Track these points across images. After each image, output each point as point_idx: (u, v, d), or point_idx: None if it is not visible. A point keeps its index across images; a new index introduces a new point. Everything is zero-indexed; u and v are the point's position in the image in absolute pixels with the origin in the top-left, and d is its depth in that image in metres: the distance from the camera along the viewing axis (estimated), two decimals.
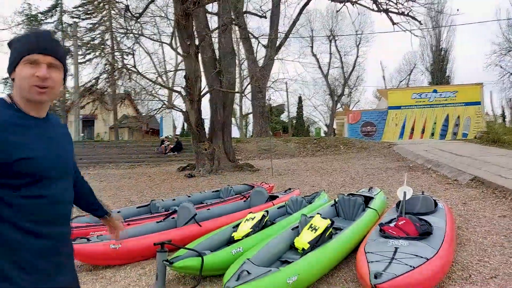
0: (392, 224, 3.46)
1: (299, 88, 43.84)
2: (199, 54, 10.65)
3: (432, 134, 26.34)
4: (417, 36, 14.83)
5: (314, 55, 38.12)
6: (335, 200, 4.70)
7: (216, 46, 11.63)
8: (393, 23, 12.97)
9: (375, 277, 2.37)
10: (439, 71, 36.42)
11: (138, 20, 10.05)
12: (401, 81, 42.60)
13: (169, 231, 4.08)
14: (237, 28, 14.75)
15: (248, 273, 2.60)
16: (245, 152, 16.89)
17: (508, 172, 7.50)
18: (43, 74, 1.11)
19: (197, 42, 9.77)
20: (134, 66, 10.49)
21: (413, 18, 12.77)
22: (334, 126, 36.48)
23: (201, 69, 10.74)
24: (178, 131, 30.13)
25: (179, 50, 10.50)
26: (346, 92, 41.51)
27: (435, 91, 27.11)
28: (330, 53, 39.16)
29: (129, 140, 24.68)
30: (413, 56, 40.10)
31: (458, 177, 7.96)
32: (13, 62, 1.14)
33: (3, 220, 1.07)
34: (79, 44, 25.57)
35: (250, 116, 33.07)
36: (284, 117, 38.90)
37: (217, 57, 11.58)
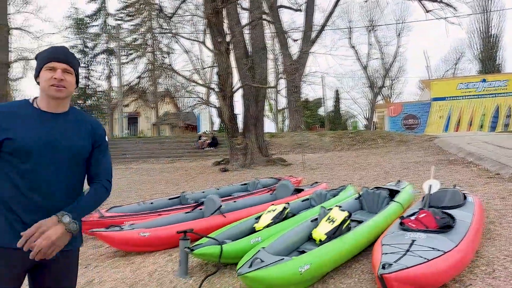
0: (413, 217, 3.41)
1: (337, 82, 42.99)
2: (232, 50, 10.84)
3: (481, 126, 24.81)
4: (452, 23, 13.97)
5: (353, 47, 37.17)
6: (359, 193, 4.68)
7: (248, 41, 11.75)
8: (426, 11, 12.33)
9: (383, 267, 2.39)
10: (489, 59, 34.02)
11: (172, 19, 10.42)
12: (447, 71, 40.36)
13: (196, 221, 4.29)
14: (274, 22, 14.75)
15: (261, 260, 2.71)
16: (280, 146, 16.95)
17: None
18: (59, 76, 1.47)
19: (228, 39, 9.96)
20: (170, 65, 10.89)
21: (448, 4, 12.06)
22: (374, 119, 35.43)
23: (234, 65, 10.94)
24: (216, 127, 30.75)
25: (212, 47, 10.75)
26: (387, 84, 40.09)
27: (483, 80, 25.46)
28: (369, 44, 37.99)
29: (169, 136, 25.59)
30: (460, 43, 37.81)
31: (501, 171, 7.53)
32: (38, 69, 1.51)
33: (9, 177, 1.42)
34: (122, 45, 26.89)
35: (286, 110, 32.98)
36: (322, 111, 38.39)
37: (249, 52, 11.70)
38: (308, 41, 19.14)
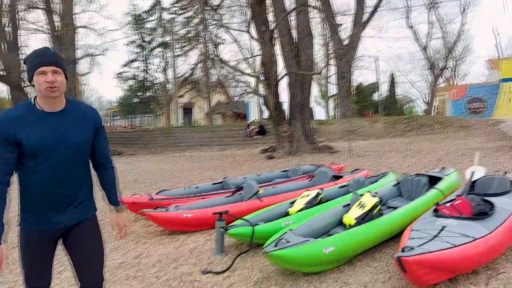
0: (448, 204, 3.33)
1: (391, 65, 40.74)
2: (277, 38, 10.88)
3: None
4: None
5: (411, 27, 34.92)
6: (397, 180, 4.59)
7: (293, 28, 11.68)
8: None
9: (403, 250, 2.41)
10: None
11: (217, 11, 10.71)
12: None
13: (235, 204, 4.54)
14: (319, 7, 14.47)
15: (287, 241, 2.86)
16: (328, 134, 16.74)
17: None
18: (50, 79, 1.63)
19: (272, 27, 10.01)
20: (217, 56, 11.22)
21: None
22: (435, 104, 33.24)
23: (279, 52, 10.98)
24: (266, 115, 31.07)
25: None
26: (450, 65, 37.21)
27: None
28: (430, 23, 35.38)
29: (220, 125, 26.38)
30: None
31: None
32: (30, 75, 1.68)
33: (26, 172, 1.71)
34: (176, 38, 28.03)
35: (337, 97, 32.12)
36: (376, 97, 36.82)
37: (294, 39, 11.64)
38: (359, 24, 18.44)
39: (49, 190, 1.72)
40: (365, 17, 19.01)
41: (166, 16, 30.34)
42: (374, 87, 35.50)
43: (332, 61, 16.28)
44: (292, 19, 11.48)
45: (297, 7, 10.30)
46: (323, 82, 35.34)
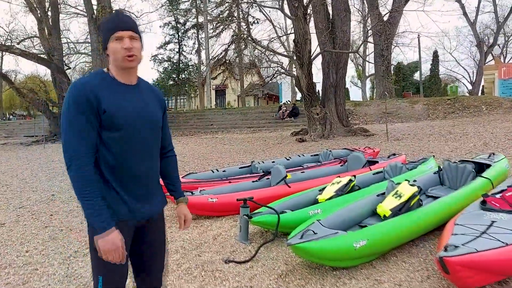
0: (498, 196, 2.96)
1: (437, 42, 38.10)
2: (311, 15, 10.37)
3: None
4: None
5: (459, 0, 32.37)
6: (439, 166, 4.20)
7: (329, 3, 11.07)
8: None
9: (445, 249, 2.13)
10: None
11: None
12: None
13: (261, 190, 4.37)
14: None
15: (314, 232, 2.65)
16: (364, 116, 16.07)
17: None
18: (128, 45, 1.43)
19: (306, 2, 9.51)
20: (250, 35, 10.91)
21: None
22: (482, 83, 31.00)
23: (313, 30, 10.47)
24: (298, 97, 30.42)
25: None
26: (500, 42, 34.36)
27: None
28: None
29: (252, 107, 26.18)
30: None
31: None
32: (105, 41, 1.48)
33: (108, 151, 1.46)
34: (210, 18, 27.80)
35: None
36: (417, 76, 34.88)
37: (330, 16, 11.05)
38: None
39: (134, 172, 1.48)
40: None
41: None
42: (416, 66, 33.62)
43: (370, 39, 15.42)
44: None
45: None
46: (360, 61, 33.93)
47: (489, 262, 2.10)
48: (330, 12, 11.23)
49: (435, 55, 32.04)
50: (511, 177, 3.73)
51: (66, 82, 19.18)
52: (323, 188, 3.95)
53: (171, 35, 31.05)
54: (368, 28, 17.93)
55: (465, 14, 33.00)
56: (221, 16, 27.80)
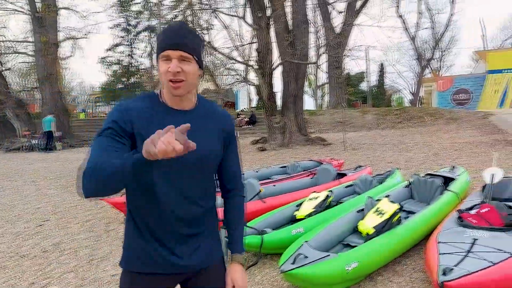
0: (473, 211, 3.09)
1: (382, 55, 40.67)
2: (272, 26, 10.43)
3: None
4: None
5: (400, 16, 34.75)
6: (409, 181, 4.35)
7: (289, 16, 11.24)
8: None
9: (444, 273, 2.15)
10: None
11: None
12: (505, 40, 36.74)
13: None
14: None
15: (305, 256, 2.56)
16: (319, 124, 16.51)
17: None
18: (173, 68, 1.17)
19: (269, 14, 9.56)
20: (209, 42, 10.72)
21: None
22: (421, 94, 33.46)
23: (274, 40, 10.54)
24: (254, 104, 30.61)
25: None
26: (437, 56, 37.41)
27: None
28: (419, 13, 35.31)
29: None
30: None
31: None
32: (157, 59, 1.24)
33: (136, 192, 1.24)
34: (164, 22, 27.03)
35: (326, 86, 31.96)
36: (364, 86, 36.81)
37: (290, 27, 11.22)
38: (353, 12, 18.08)
39: (168, 215, 1.23)
40: (358, 4, 18.63)
41: None
42: (361, 76, 35.46)
43: (323, 50, 15.93)
44: (288, 4, 11.02)
45: None
46: (313, 71, 35.00)
47: (483, 283, 2.15)
48: (290, 23, 11.41)
49: (382, 67, 33.97)
50: (476, 191, 3.94)
51: (2, 84, 17.53)
52: (300, 204, 3.90)
53: (121, 37, 29.82)
54: (322, 40, 18.56)
55: (406, 29, 35.50)
56: (174, 20, 27.21)
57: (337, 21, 21.89)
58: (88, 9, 56.75)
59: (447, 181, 4.40)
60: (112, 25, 29.43)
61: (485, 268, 2.23)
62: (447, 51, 37.98)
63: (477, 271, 2.19)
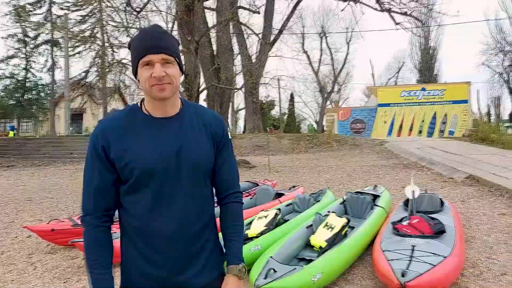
0: (405, 223, 3.56)
1: (295, 85, 44.04)
2: (198, 50, 10.58)
3: (420, 132, 26.81)
4: (419, 36, 15.08)
5: (305, 52, 38.27)
6: (343, 198, 4.79)
7: (214, 42, 11.57)
8: (396, 23, 13.13)
9: (403, 275, 2.45)
10: (427, 69, 37.02)
11: (138, 15, 9.93)
12: (390, 79, 43.21)
13: None
14: (231, 22, 14.66)
15: (274, 271, 2.65)
16: (239, 148, 16.90)
17: (502, 170, 7.75)
18: (158, 73, 1.13)
19: (197, 38, 9.72)
20: (121, 61, 10.35)
21: (416, 18, 12.96)
22: (324, 123, 36.82)
23: (199, 65, 10.67)
24: None
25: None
26: (336, 89, 41.89)
27: (423, 89, 27.55)
28: (321, 50, 39.41)
29: None
30: (402, 53, 40.62)
31: (453, 175, 8.17)
32: (134, 66, 1.19)
33: (127, 213, 1.23)
34: (69, 36, 25.02)
35: (241, 112, 33.07)
36: (274, 113, 39.05)
37: (215, 53, 11.52)
38: (267, 43, 19.33)
39: (167, 234, 1.18)
40: (272, 37, 20.02)
41: (57, 11, 26.98)
42: (272, 104, 37.63)
43: (240, 76, 16.63)
44: (212, 31, 11.34)
45: (224, 20, 10.21)
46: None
47: (431, 282, 2.51)
48: (215, 49, 11.74)
49: (292, 96, 36.49)
50: (399, 206, 4.53)
51: None
52: (249, 223, 3.98)
53: (16, 49, 26.67)
54: (235, 67, 19.32)
55: (310, 64, 39.13)
56: (81, 35, 25.48)
57: (254, 50, 23.09)
58: None
59: (374, 198, 4.97)
60: (6, 35, 26.20)
61: (429, 270, 2.61)
62: (344, 85, 42.91)
63: (425, 272, 2.55)
